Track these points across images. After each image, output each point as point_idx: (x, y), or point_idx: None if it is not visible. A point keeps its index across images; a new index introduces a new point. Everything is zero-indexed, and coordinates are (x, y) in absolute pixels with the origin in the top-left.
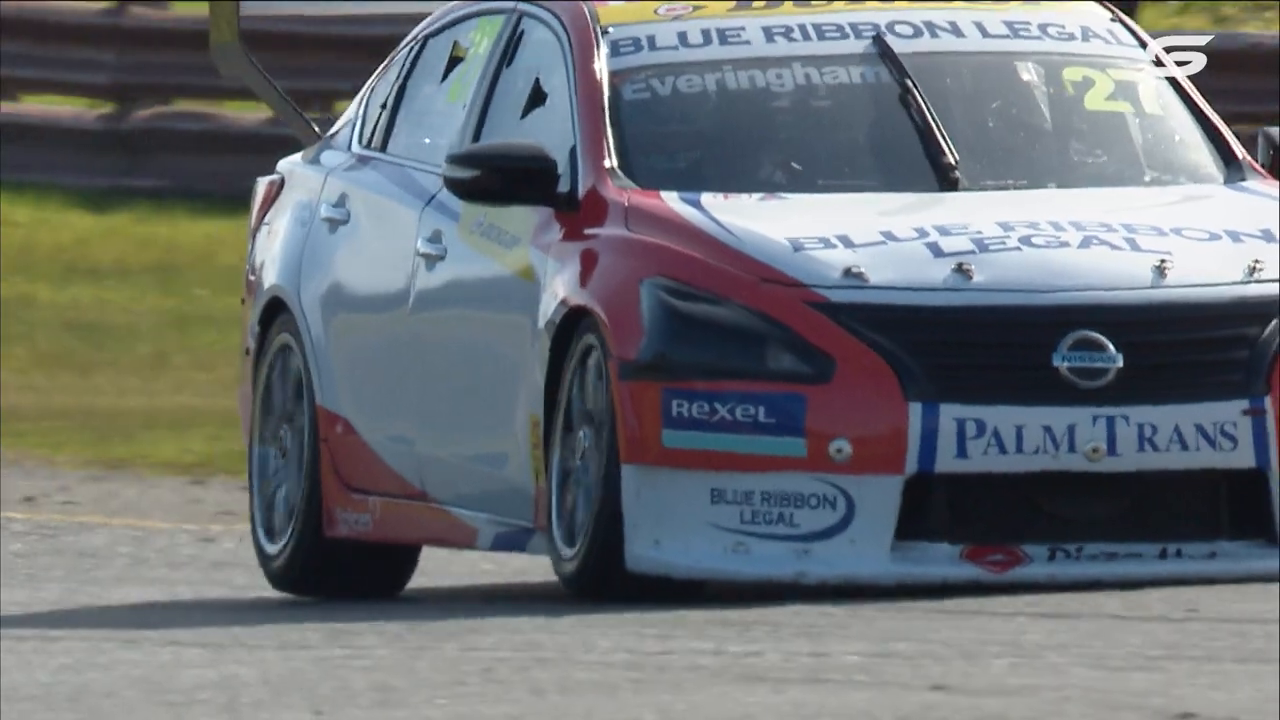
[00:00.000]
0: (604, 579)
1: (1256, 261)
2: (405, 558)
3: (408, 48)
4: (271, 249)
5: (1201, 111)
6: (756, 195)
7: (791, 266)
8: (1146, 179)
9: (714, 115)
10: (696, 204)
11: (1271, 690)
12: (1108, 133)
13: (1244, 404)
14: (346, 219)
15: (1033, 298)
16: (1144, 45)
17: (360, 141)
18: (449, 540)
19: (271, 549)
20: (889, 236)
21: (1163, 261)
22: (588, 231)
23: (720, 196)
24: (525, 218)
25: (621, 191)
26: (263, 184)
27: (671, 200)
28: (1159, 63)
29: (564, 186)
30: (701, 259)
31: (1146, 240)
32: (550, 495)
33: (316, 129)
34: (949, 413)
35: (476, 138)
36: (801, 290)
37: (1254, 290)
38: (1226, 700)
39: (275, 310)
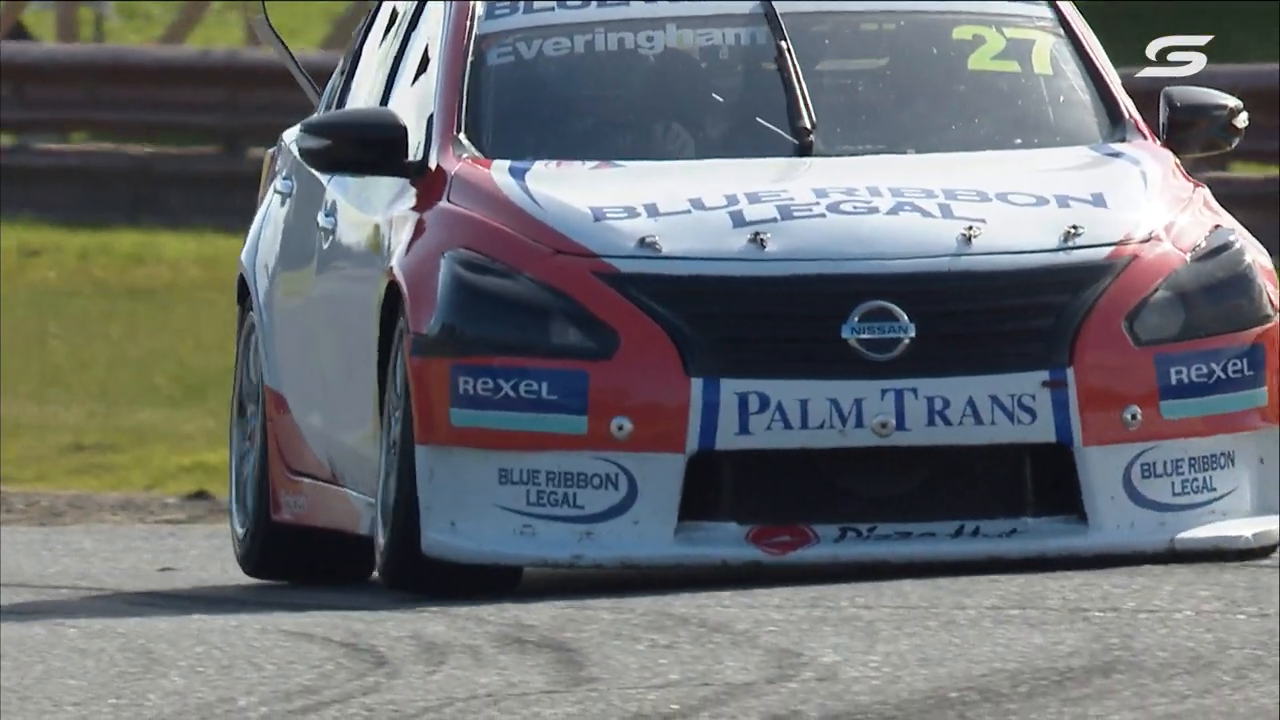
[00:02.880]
0: (405, 567)
1: (1074, 228)
2: (360, 544)
3: (369, 12)
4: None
5: (1097, 71)
6: (591, 163)
7: (586, 236)
8: (1017, 141)
9: (575, 79)
10: (519, 173)
11: None
12: (986, 94)
13: (1044, 375)
14: (291, 192)
15: (824, 267)
16: (1051, 2)
17: (325, 109)
18: (345, 525)
19: (240, 531)
20: (697, 205)
21: (970, 228)
22: (426, 203)
23: (553, 165)
24: (386, 189)
25: (456, 161)
26: (268, 156)
27: (496, 170)
28: (1063, 19)
29: (418, 155)
30: (504, 230)
31: (963, 207)
32: (379, 480)
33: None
34: (731, 388)
35: (384, 104)
36: (593, 261)
37: (1065, 258)
38: None
39: (245, 288)
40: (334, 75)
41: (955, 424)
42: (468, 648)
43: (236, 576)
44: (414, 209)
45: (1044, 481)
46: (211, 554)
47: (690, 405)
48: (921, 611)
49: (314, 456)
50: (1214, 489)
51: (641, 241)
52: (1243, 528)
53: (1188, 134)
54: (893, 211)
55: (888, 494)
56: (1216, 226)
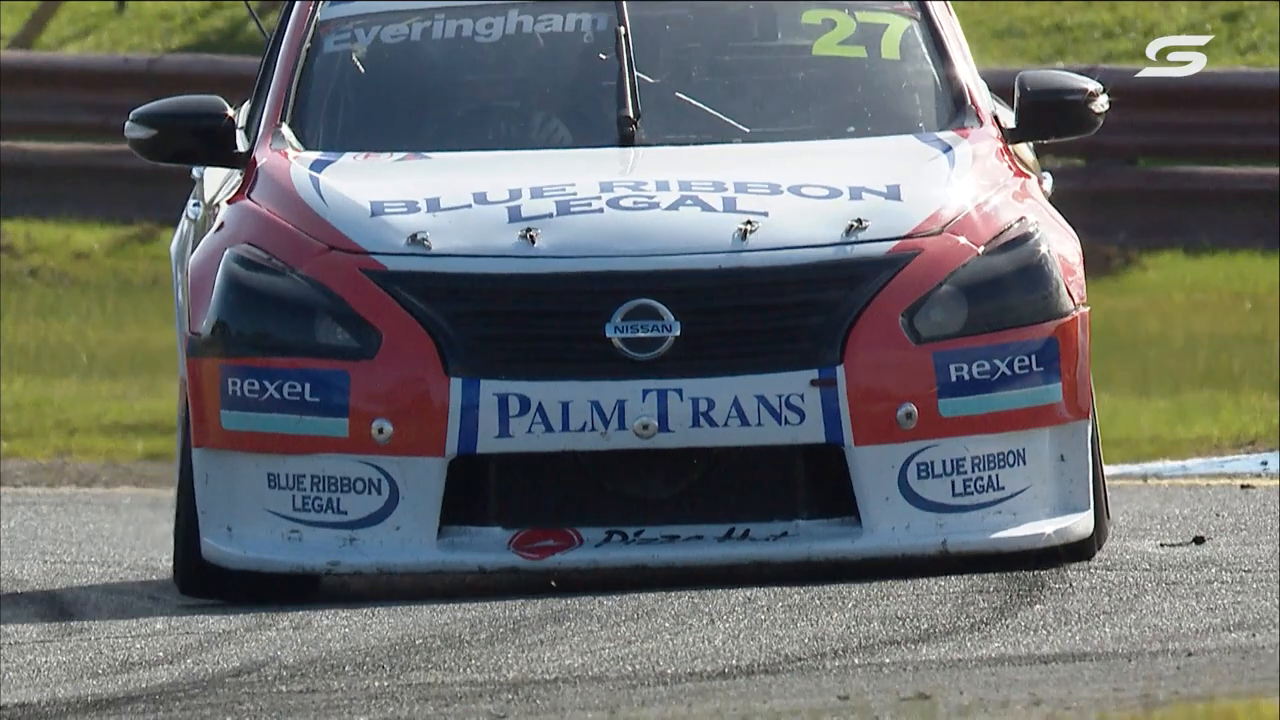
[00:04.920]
0: (190, 573)
1: (859, 221)
2: None
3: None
4: None
5: (948, 57)
6: (400, 154)
7: (359, 233)
8: (850, 129)
9: (405, 68)
10: (319, 167)
11: None
12: (827, 81)
13: (812, 374)
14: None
15: (589, 264)
16: None
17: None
18: None
19: None
20: (479, 199)
21: (749, 223)
22: (234, 197)
23: (361, 157)
24: (220, 180)
25: (268, 153)
26: None
27: (298, 163)
28: (923, 4)
29: (245, 146)
30: (285, 226)
31: (748, 200)
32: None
33: None
34: (490, 389)
35: (260, 96)
36: (362, 258)
37: (843, 253)
38: None
39: None
40: None
41: (720, 425)
42: None
43: None
44: (228, 202)
45: (818, 483)
46: None
47: (449, 407)
48: None
49: None
50: (1001, 488)
51: (412, 238)
52: (1042, 526)
53: (1041, 119)
54: (673, 207)
55: (655, 496)
56: (1022, 218)
